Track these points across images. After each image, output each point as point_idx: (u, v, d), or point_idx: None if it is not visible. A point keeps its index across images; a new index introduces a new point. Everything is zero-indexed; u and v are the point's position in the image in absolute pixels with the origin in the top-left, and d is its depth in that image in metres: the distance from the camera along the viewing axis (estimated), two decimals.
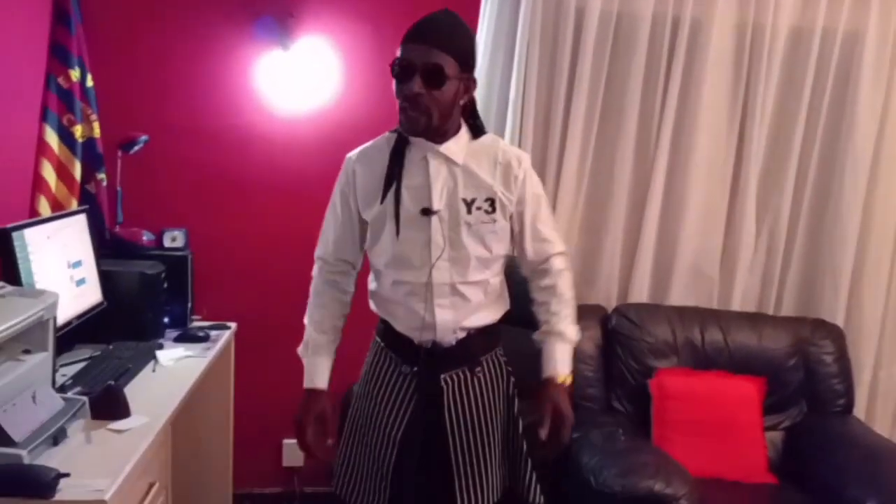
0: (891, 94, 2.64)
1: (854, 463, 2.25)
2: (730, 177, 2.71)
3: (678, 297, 2.72)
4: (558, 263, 1.67)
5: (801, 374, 2.56)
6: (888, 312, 2.77)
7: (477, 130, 1.65)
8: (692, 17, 2.58)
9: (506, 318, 1.73)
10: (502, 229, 1.62)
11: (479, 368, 1.66)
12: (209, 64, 2.58)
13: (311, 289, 1.78)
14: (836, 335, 2.63)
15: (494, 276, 1.65)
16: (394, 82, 1.54)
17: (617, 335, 2.55)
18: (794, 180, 2.71)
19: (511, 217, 1.63)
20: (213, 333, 2.36)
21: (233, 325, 2.51)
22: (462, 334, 1.63)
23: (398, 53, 1.52)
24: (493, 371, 1.69)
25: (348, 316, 1.79)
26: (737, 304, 2.74)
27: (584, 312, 2.57)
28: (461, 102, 1.58)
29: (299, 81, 2.61)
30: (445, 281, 1.58)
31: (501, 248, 1.64)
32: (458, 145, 1.60)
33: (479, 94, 2.60)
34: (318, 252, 1.77)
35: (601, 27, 2.55)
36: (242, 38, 2.57)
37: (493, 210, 1.60)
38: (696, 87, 2.61)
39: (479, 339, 1.66)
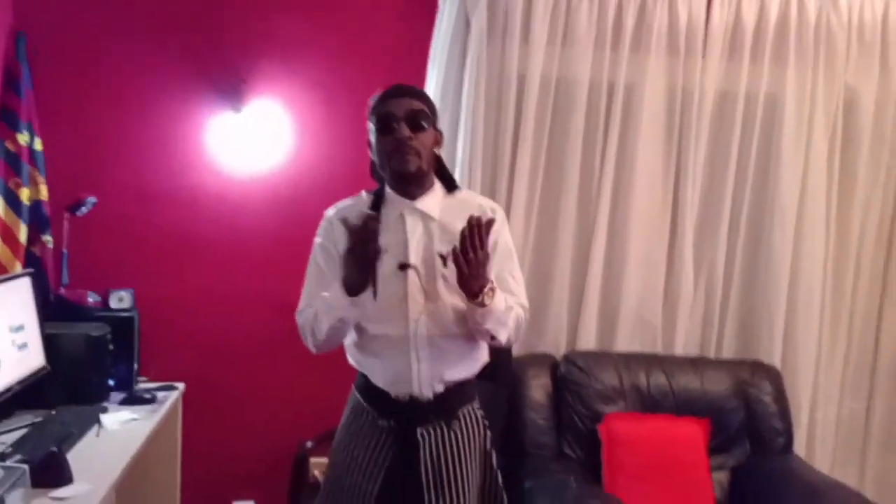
0: (809, 149, 2.81)
1: (796, 500, 2.32)
2: (668, 228, 2.83)
3: (624, 343, 2.80)
4: (518, 311, 1.68)
5: (742, 414, 2.64)
6: (821, 353, 2.90)
7: (451, 185, 1.72)
8: (626, 82, 2.73)
9: (483, 374, 1.74)
10: None
11: (455, 422, 1.67)
12: (160, 126, 2.61)
13: (304, 325, 1.68)
14: (774, 376, 2.73)
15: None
16: (373, 143, 1.63)
17: (566, 382, 2.60)
18: (727, 230, 2.84)
19: None
20: (159, 395, 2.33)
21: (180, 385, 2.48)
22: (440, 388, 1.64)
23: (376, 113, 1.62)
24: (470, 425, 1.70)
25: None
26: (680, 349, 2.83)
27: (534, 361, 2.67)
28: (436, 152, 1.66)
29: (250, 143, 2.66)
30: (424, 334, 1.61)
31: None
32: (434, 200, 1.67)
33: None
34: (302, 304, 1.72)
35: (542, 91, 2.68)
36: (194, 101, 2.62)
37: None
38: (633, 146, 2.74)
39: (456, 394, 1.67)
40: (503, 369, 2.45)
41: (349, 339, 1.72)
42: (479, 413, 1.74)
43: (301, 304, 1.72)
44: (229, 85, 2.59)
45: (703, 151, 2.81)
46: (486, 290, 1.54)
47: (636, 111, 2.73)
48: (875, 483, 2.98)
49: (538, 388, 2.60)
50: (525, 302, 1.74)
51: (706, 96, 2.77)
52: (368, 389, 1.68)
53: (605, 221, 2.77)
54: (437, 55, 2.66)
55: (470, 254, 1.50)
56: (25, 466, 1.58)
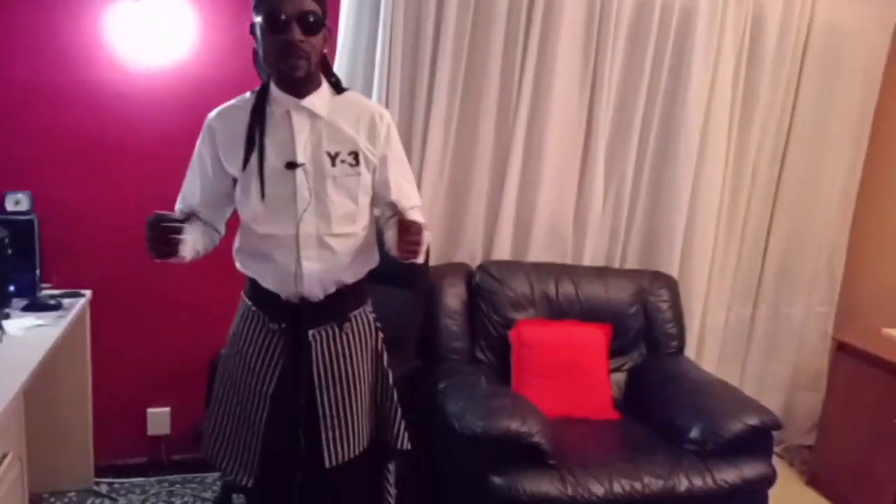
0: (718, 63, 2.91)
1: (682, 396, 2.54)
2: (582, 143, 2.90)
3: (536, 254, 2.91)
4: (415, 214, 1.68)
5: (641, 320, 2.83)
6: (714, 263, 3.13)
7: (338, 86, 1.68)
8: None
9: (373, 277, 1.77)
10: (367, 182, 1.67)
11: (347, 324, 1.70)
12: (54, 14, 2.40)
13: None
14: (671, 285, 2.93)
15: (362, 230, 1.69)
16: (259, 35, 1.56)
17: (480, 290, 2.70)
18: (638, 145, 2.95)
19: (374, 171, 1.68)
20: (65, 301, 2.26)
21: (87, 292, 2.41)
22: (331, 289, 1.66)
23: (264, 9, 1.52)
24: (361, 327, 1.74)
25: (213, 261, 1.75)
26: (588, 260, 2.98)
27: (450, 270, 2.74)
28: (324, 51, 1.61)
29: (151, 35, 2.49)
30: (312, 233, 1.61)
31: (367, 200, 1.68)
32: (321, 99, 1.63)
33: (344, 59, 2.63)
34: (178, 207, 1.70)
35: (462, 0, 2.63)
36: None
37: (357, 163, 1.64)
38: (552, 55, 2.75)
39: (347, 296, 1.70)
40: (420, 277, 2.52)
41: (236, 244, 1.71)
42: (372, 316, 1.78)
43: (179, 205, 1.70)
44: None
45: (619, 62, 2.87)
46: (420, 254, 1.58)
47: (556, 19, 2.72)
48: (754, 382, 3.31)
49: (454, 296, 2.68)
50: (418, 201, 1.76)
51: (624, 4, 2.79)
52: (258, 293, 1.69)
53: (523, 135, 2.80)
54: None
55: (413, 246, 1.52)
56: None
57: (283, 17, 1.50)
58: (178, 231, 1.47)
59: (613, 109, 2.92)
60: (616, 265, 3.03)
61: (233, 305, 2.55)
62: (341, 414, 1.69)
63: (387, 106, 2.61)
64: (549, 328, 2.67)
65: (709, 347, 3.19)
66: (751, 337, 3.31)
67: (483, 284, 2.71)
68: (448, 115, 2.73)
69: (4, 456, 1.57)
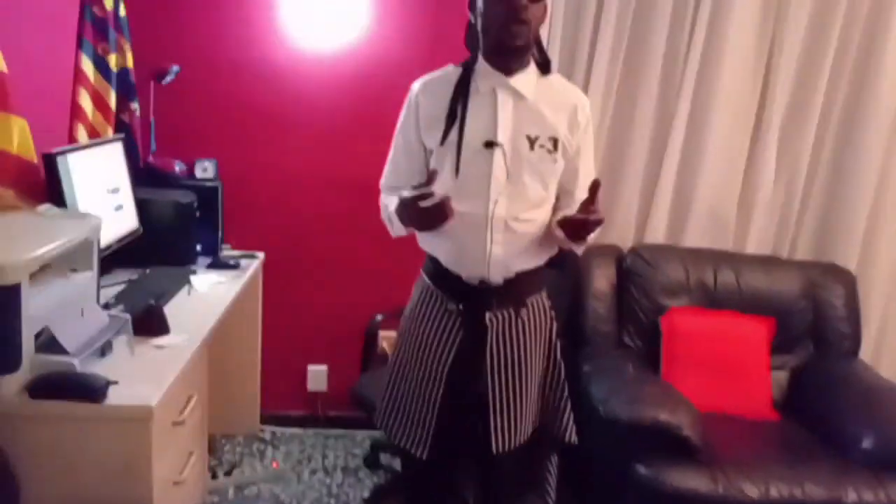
0: None
1: (854, 402, 2.33)
2: (752, 119, 2.70)
3: (694, 238, 2.76)
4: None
5: (809, 316, 2.62)
6: None
7: (545, 67, 1.64)
8: None
9: (552, 262, 1.75)
10: (560, 170, 1.63)
11: (524, 310, 1.68)
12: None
13: (383, 214, 1.72)
14: (847, 280, 2.67)
15: (545, 217, 1.65)
16: (480, 5, 1.54)
17: (631, 274, 2.61)
18: (817, 125, 2.69)
19: (568, 158, 1.64)
20: (242, 262, 2.46)
21: (261, 254, 2.61)
22: (511, 274, 1.63)
23: None
24: (537, 313, 1.71)
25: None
26: (752, 248, 2.78)
27: (600, 252, 2.67)
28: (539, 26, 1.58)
29: (326, 17, 2.62)
30: (502, 216, 1.58)
31: (555, 188, 1.66)
32: (529, 80, 1.59)
33: None
34: (385, 181, 1.75)
35: None
36: None
37: (555, 150, 1.60)
38: (723, 26, 2.57)
39: (526, 281, 1.67)
40: (567, 258, 2.48)
41: None
42: (547, 303, 1.75)
43: (384, 175, 1.75)
44: None
45: (801, 36, 2.62)
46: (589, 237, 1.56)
47: None
48: None
49: (602, 278, 2.62)
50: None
51: None
52: (439, 272, 1.68)
53: (687, 108, 2.65)
54: None
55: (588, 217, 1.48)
56: (128, 315, 1.72)
57: None
58: (432, 196, 1.46)
59: (791, 85, 2.67)
60: (784, 255, 2.80)
61: (389, 273, 2.69)
62: (511, 400, 1.67)
63: None
64: (704, 318, 2.54)
65: (889, 352, 2.88)
66: None
67: (634, 268, 2.62)
68: (608, 84, 2.64)
69: (191, 398, 1.76)
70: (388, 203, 1.66)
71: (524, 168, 1.58)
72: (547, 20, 2.49)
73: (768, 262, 2.69)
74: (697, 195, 2.73)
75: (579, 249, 1.69)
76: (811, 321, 2.62)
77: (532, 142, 1.58)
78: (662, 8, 2.56)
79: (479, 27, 1.58)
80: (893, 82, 2.61)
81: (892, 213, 2.73)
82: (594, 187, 1.49)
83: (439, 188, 1.56)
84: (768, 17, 2.60)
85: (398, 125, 1.71)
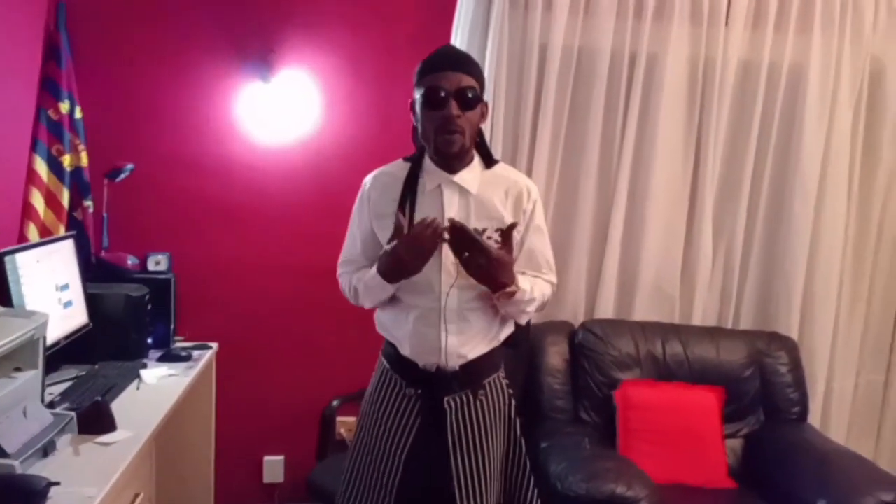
0: (833, 120, 2.80)
1: (807, 467, 2.36)
2: (687, 200, 2.85)
3: (642, 313, 2.85)
4: (537, 282, 1.72)
5: (757, 384, 2.68)
6: (839, 325, 2.92)
7: (489, 159, 1.71)
8: (648, 52, 2.74)
9: (505, 341, 1.78)
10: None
11: (481, 391, 1.70)
12: (193, 96, 2.70)
13: (346, 287, 1.78)
14: (790, 347, 2.77)
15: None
16: (419, 111, 1.61)
17: (583, 349, 2.67)
18: (748, 202, 2.86)
19: (516, 244, 1.68)
20: (195, 353, 2.45)
21: (214, 345, 2.60)
22: (467, 360, 1.67)
23: (424, 85, 1.58)
24: (495, 394, 1.73)
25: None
26: (697, 320, 2.87)
27: (553, 328, 2.73)
28: (480, 127, 1.66)
29: (280, 112, 2.74)
30: (455, 307, 1.63)
31: None
32: (472, 175, 1.66)
33: None
34: (344, 257, 1.80)
35: (563, 61, 2.70)
36: (225, 71, 2.70)
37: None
38: (654, 116, 2.76)
39: (482, 364, 1.70)
40: (520, 336, 2.52)
41: (379, 308, 1.76)
42: (504, 382, 1.77)
43: (343, 251, 1.80)
44: (259, 55, 2.66)
45: (725, 122, 2.82)
46: (510, 286, 1.59)
47: (658, 81, 2.74)
48: (891, 455, 3.01)
49: (556, 355, 2.67)
50: (554, 279, 1.78)
51: (729, 66, 2.76)
52: (396, 358, 1.72)
53: (625, 192, 2.80)
54: (460, 24, 2.68)
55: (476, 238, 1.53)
56: (73, 413, 1.70)
57: (441, 93, 1.55)
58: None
59: (720, 166, 2.85)
60: (728, 326, 2.90)
61: (345, 357, 2.69)
62: (475, 481, 1.68)
63: None
64: (656, 390, 2.59)
65: (836, 416, 2.95)
66: (885, 405, 3.03)
67: (586, 343, 2.68)
68: (549, 172, 2.77)
69: (137, 496, 1.71)
70: (356, 275, 1.71)
71: None
72: (490, 112, 2.66)
73: (714, 333, 2.78)
74: (641, 271, 2.84)
75: (522, 319, 1.72)
76: (759, 389, 2.69)
77: (480, 234, 1.62)
78: (596, 99, 2.74)
79: (420, 130, 1.65)
80: (812, 157, 2.79)
81: (824, 281, 2.86)
82: (508, 230, 1.58)
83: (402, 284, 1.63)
84: (694, 106, 2.80)
85: (353, 213, 1.77)
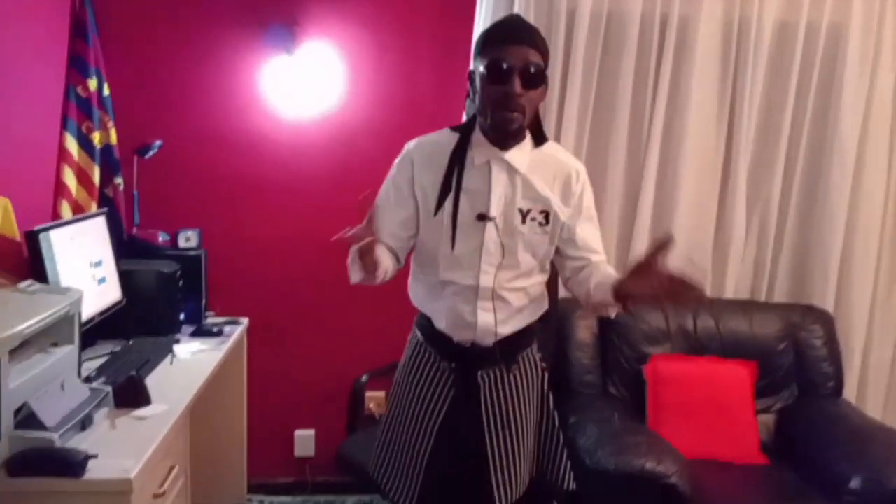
0: (874, 84, 2.70)
1: (841, 442, 2.33)
2: (720, 169, 2.78)
3: None
4: (598, 260, 1.69)
5: (791, 357, 2.64)
6: (876, 297, 2.84)
7: (540, 138, 1.65)
8: (680, 15, 2.65)
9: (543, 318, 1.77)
10: (552, 241, 1.65)
11: (515, 366, 1.71)
12: (217, 70, 2.69)
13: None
14: (826, 320, 2.71)
15: (535, 282, 1.69)
16: (478, 83, 1.53)
17: (612, 323, 2.62)
18: (783, 170, 2.78)
19: (562, 227, 1.65)
20: (226, 328, 2.47)
21: (245, 320, 2.63)
22: (501, 336, 1.66)
23: (488, 57, 1.49)
24: (528, 369, 1.74)
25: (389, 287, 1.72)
26: (730, 293, 2.82)
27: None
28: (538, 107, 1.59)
29: (305, 86, 2.72)
30: (489, 285, 1.61)
31: (547, 256, 1.68)
32: (523, 153, 1.60)
33: None
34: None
35: (592, 27, 2.63)
36: (249, 44, 2.68)
37: (546, 223, 1.62)
38: (686, 83, 2.69)
39: (515, 340, 1.70)
40: (553, 311, 2.51)
41: (414, 280, 1.75)
42: (538, 356, 1.77)
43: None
44: (282, 27, 2.63)
45: (760, 87, 2.73)
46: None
47: (690, 45, 2.66)
48: None
49: (584, 329, 2.64)
50: (603, 256, 1.73)
51: (764, 28, 2.67)
52: (431, 331, 1.71)
53: (655, 162, 2.74)
54: None
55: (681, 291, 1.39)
56: (109, 388, 1.73)
57: (505, 66, 1.47)
58: (371, 251, 1.45)
59: (755, 133, 2.77)
60: (762, 299, 2.85)
61: (374, 333, 2.70)
62: (509, 455, 1.69)
63: None
64: (687, 364, 2.56)
65: (873, 391, 2.89)
66: None
67: (615, 317, 2.64)
68: (577, 143, 2.72)
69: (172, 468, 1.74)
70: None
71: (516, 240, 1.61)
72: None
73: (747, 306, 2.73)
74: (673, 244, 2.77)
75: (613, 312, 1.68)
76: (793, 363, 2.65)
77: (524, 215, 1.60)
78: (626, 66, 2.67)
79: (476, 103, 1.58)
80: (851, 123, 2.71)
81: (863, 252, 2.79)
82: (664, 243, 1.39)
83: (430, 256, 1.62)
84: (728, 71, 2.71)
85: (389, 176, 1.69)
